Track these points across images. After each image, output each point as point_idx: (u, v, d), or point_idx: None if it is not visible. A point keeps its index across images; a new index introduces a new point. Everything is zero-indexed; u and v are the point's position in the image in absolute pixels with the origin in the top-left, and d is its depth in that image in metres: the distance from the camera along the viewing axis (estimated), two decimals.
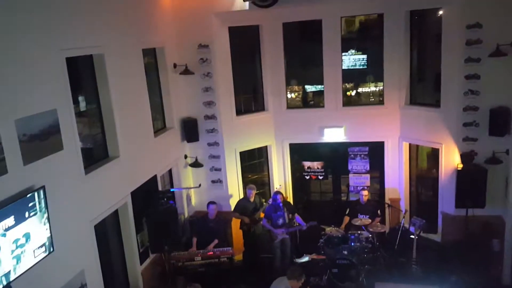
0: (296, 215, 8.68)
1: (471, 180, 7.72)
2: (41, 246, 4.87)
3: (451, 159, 8.22)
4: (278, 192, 8.61)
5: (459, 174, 7.89)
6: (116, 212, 6.91)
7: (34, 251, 4.77)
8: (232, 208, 9.08)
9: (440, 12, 8.11)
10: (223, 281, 7.71)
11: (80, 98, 6.42)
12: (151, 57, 8.30)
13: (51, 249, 5.02)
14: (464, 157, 7.99)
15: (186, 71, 8.66)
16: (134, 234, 7.20)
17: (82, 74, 6.47)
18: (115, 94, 6.64)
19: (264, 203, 9.08)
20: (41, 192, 4.82)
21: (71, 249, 5.56)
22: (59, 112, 5.35)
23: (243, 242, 9.04)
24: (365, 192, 8.83)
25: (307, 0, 8.16)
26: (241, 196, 9.41)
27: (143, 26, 7.70)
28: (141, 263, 7.49)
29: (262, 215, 8.72)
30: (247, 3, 8.45)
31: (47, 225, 4.92)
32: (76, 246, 5.69)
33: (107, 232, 6.90)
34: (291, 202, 9.90)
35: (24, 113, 4.80)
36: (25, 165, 4.79)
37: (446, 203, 8.41)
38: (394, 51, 8.79)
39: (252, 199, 8.88)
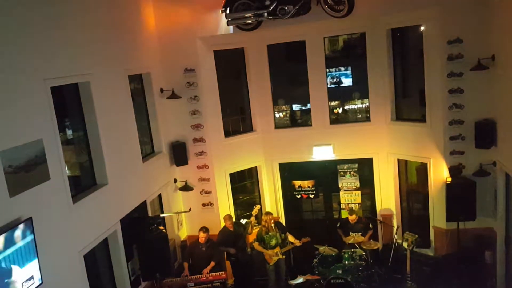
0: (288, 234, 8.64)
1: (460, 193, 7.73)
2: (29, 279, 4.78)
3: (439, 173, 8.27)
4: (268, 213, 8.56)
5: (449, 188, 7.91)
6: (105, 241, 6.81)
7: (22, 284, 4.67)
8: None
9: (422, 28, 8.27)
10: None
11: (67, 126, 6.40)
12: (137, 83, 8.33)
13: (40, 281, 4.92)
14: (453, 170, 8.04)
15: (173, 95, 8.70)
16: (124, 262, 7.08)
17: (68, 102, 6.46)
18: (102, 121, 6.62)
19: (247, 222, 8.92)
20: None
21: (60, 280, 5.45)
22: (45, 141, 5.32)
23: (231, 272, 8.88)
24: (352, 217, 8.77)
25: (290, 22, 8.27)
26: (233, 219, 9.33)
27: (129, 52, 7.73)
28: None
29: (251, 238, 8.63)
30: (231, 27, 8.55)
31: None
32: (65, 277, 5.59)
33: (97, 261, 6.78)
34: (283, 221, 9.86)
35: (9, 144, 4.76)
36: (11, 197, 4.73)
37: (437, 217, 8.42)
38: (378, 68, 8.91)
39: (231, 228, 8.75)
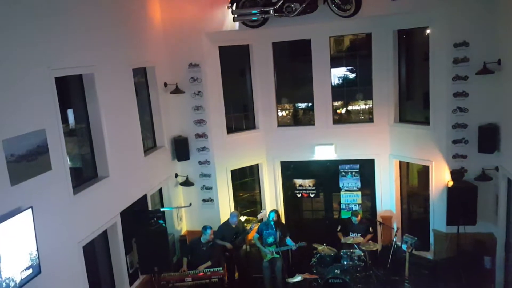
0: (288, 237, 8.60)
1: (462, 197, 7.71)
2: (28, 268, 4.78)
3: (441, 176, 8.24)
4: (274, 210, 8.57)
5: (450, 191, 7.89)
6: (105, 233, 6.81)
7: (21, 273, 4.67)
8: None
9: (428, 31, 8.24)
10: None
11: (69, 117, 6.39)
12: (141, 76, 8.32)
13: (38, 271, 4.93)
14: (454, 174, 8.02)
15: (177, 90, 8.69)
16: (123, 255, 7.09)
17: (71, 93, 6.46)
18: (105, 113, 6.62)
19: (247, 228, 8.90)
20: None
21: (59, 270, 5.45)
22: (47, 132, 5.31)
23: (225, 266, 8.82)
24: (358, 218, 8.79)
25: (296, 21, 8.25)
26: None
27: (134, 45, 7.72)
28: (131, 284, 7.35)
29: (250, 237, 8.62)
30: (237, 23, 8.53)
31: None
32: (64, 268, 5.59)
33: (95, 253, 6.79)
34: (283, 220, 9.84)
35: (12, 133, 4.75)
36: (13, 186, 4.73)
37: (438, 220, 8.40)
38: (383, 69, 8.89)
39: (234, 225, 8.73)
